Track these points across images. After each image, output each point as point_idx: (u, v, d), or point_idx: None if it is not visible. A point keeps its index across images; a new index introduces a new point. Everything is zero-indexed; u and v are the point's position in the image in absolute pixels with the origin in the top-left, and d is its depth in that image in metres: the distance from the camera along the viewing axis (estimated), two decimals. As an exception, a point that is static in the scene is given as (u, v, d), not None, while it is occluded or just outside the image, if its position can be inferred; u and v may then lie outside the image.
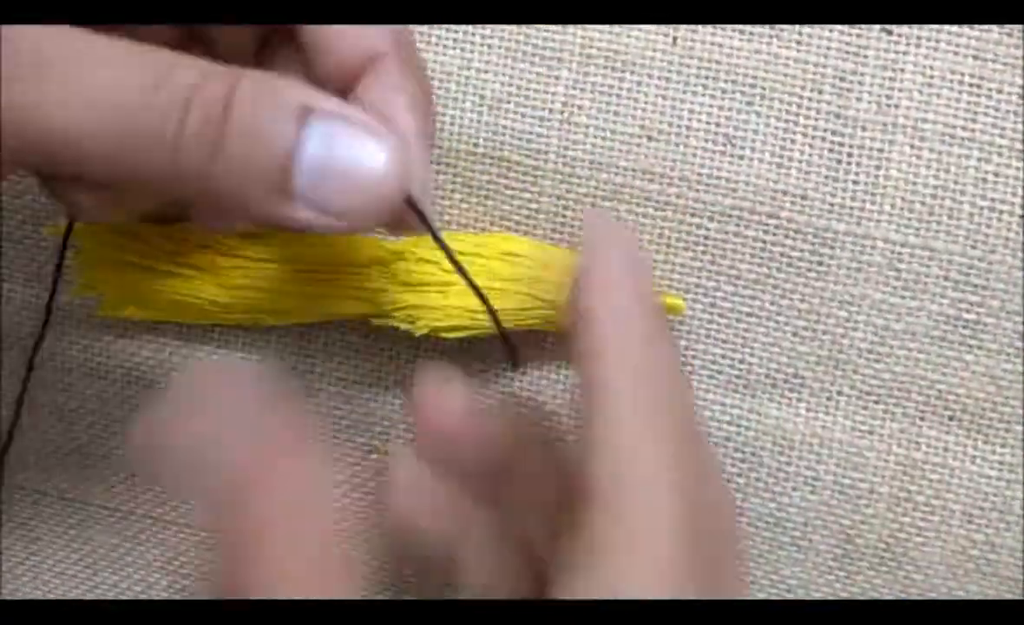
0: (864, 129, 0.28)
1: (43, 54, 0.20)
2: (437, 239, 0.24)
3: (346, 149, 0.20)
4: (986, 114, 0.28)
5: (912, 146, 0.28)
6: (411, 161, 0.22)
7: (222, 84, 0.20)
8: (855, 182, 0.28)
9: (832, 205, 0.28)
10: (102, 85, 0.20)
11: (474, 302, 0.28)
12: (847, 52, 0.28)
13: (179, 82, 0.20)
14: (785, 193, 0.29)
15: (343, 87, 0.23)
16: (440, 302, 0.28)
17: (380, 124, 0.21)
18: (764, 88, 0.28)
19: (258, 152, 0.20)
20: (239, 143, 0.20)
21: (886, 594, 0.30)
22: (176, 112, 0.20)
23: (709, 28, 0.29)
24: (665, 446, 0.20)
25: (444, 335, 0.28)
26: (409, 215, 0.23)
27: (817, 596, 0.30)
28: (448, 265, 0.27)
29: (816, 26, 0.28)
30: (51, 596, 0.33)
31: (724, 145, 0.29)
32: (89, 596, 0.33)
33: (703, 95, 0.29)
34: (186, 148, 0.20)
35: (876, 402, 0.29)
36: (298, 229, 0.21)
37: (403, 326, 0.28)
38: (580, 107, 0.29)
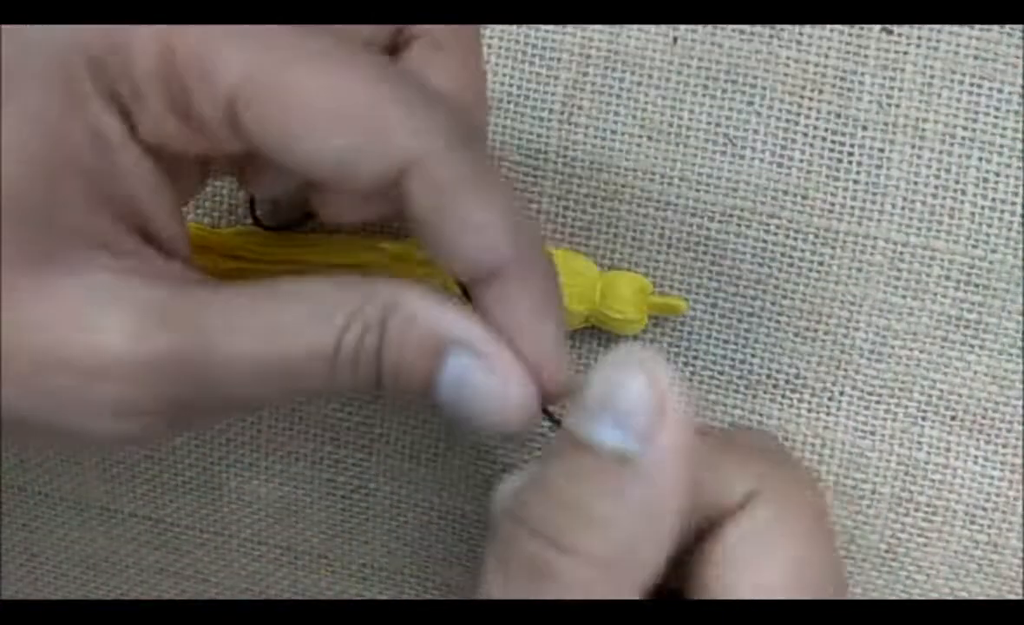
0: (865, 129, 0.28)
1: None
2: (557, 423, 0.24)
3: (476, 385, 0.22)
4: (987, 114, 0.28)
5: (913, 146, 0.28)
6: (536, 386, 0.22)
7: (375, 325, 0.21)
8: (856, 182, 0.28)
9: (833, 205, 0.28)
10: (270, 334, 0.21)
11: None
12: (847, 52, 0.28)
13: (347, 341, 0.21)
14: (786, 193, 0.29)
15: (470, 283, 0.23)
16: None
17: (510, 355, 0.22)
18: (764, 88, 0.28)
19: (402, 383, 0.22)
20: (389, 376, 0.22)
21: (888, 594, 0.30)
22: (347, 370, 0.22)
23: (709, 28, 0.29)
24: None
25: None
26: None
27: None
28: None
29: (816, 26, 0.28)
30: (51, 597, 0.33)
31: (724, 145, 0.29)
32: (89, 598, 0.33)
33: (703, 95, 0.29)
34: (357, 387, 0.22)
35: (878, 402, 0.29)
36: None
37: None
38: (580, 107, 0.29)
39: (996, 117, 0.28)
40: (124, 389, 0.21)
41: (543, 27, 0.29)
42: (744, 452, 0.24)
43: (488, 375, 0.21)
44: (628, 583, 0.20)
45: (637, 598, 0.20)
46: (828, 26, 0.28)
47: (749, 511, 0.22)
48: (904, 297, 0.29)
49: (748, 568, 0.22)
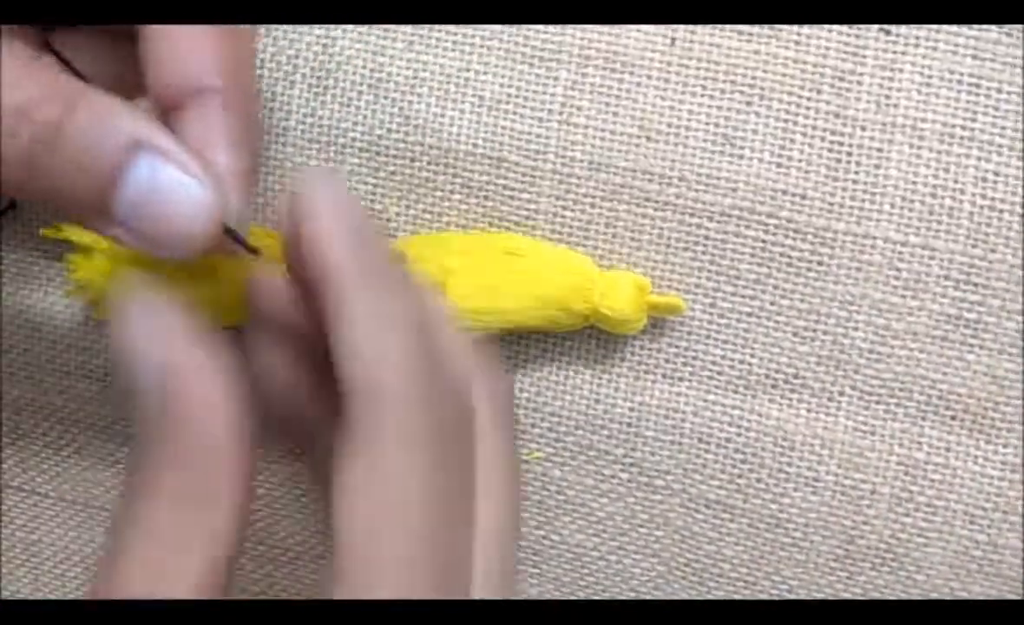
0: (863, 129, 0.28)
1: None
2: (251, 251, 0.24)
3: (166, 185, 0.22)
4: (985, 113, 0.28)
5: (911, 145, 0.28)
6: (226, 198, 0.23)
7: (56, 106, 0.21)
8: (855, 181, 0.28)
9: (832, 204, 0.28)
10: None
11: (472, 302, 0.28)
12: (846, 52, 0.28)
13: (13, 101, 0.21)
14: (785, 193, 0.29)
15: (167, 109, 0.24)
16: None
17: (199, 163, 0.22)
18: (763, 88, 0.28)
19: (82, 175, 0.22)
20: (64, 166, 0.22)
21: (888, 595, 0.29)
22: (8, 132, 0.21)
23: (708, 28, 0.29)
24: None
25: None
26: (227, 242, 0.24)
27: (819, 597, 0.30)
28: (449, 264, 0.27)
29: (815, 26, 0.28)
30: (51, 597, 0.33)
31: (723, 145, 0.29)
32: (89, 597, 0.33)
33: (702, 95, 0.29)
34: (11, 164, 0.22)
35: (877, 402, 0.29)
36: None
37: None
38: (579, 107, 0.29)
39: (995, 117, 0.28)
40: None
41: (541, 28, 0.29)
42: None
43: (180, 173, 0.22)
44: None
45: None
46: (827, 26, 0.28)
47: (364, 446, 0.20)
48: (903, 297, 0.29)
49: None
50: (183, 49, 0.23)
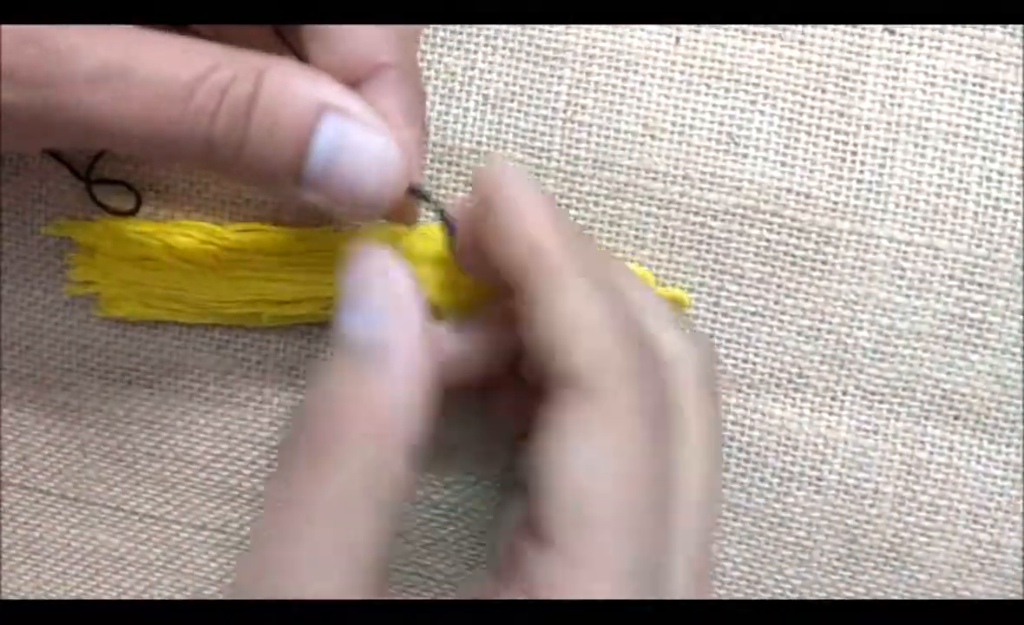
0: (868, 128, 0.28)
1: (98, 56, 0.22)
2: (444, 215, 0.26)
3: (355, 145, 0.22)
4: (989, 113, 0.28)
5: (916, 145, 0.28)
6: (411, 160, 0.24)
7: (248, 82, 0.22)
8: (859, 181, 0.28)
9: (836, 204, 0.28)
10: (147, 84, 0.22)
11: (474, 295, 0.28)
12: (850, 52, 0.28)
13: (213, 83, 0.22)
14: (789, 192, 0.29)
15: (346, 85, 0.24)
16: (439, 278, 0.28)
17: (383, 122, 0.23)
18: (767, 87, 0.28)
19: (275, 142, 0.22)
20: (259, 136, 0.22)
21: (891, 594, 0.29)
22: (206, 117, 0.22)
23: (712, 28, 0.29)
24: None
25: (445, 313, 0.28)
26: (410, 204, 0.25)
27: (821, 596, 0.30)
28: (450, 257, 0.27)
29: (819, 26, 0.28)
30: (52, 596, 0.33)
31: (727, 144, 0.29)
32: (90, 596, 0.33)
33: (706, 94, 0.29)
34: (217, 145, 0.22)
35: (880, 401, 0.29)
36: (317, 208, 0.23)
37: None
38: (583, 106, 0.29)
39: (999, 116, 0.28)
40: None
41: (546, 27, 0.29)
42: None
43: (367, 133, 0.22)
44: (392, 445, 0.21)
45: (404, 461, 0.21)
46: (831, 26, 0.28)
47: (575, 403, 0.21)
48: (907, 296, 0.29)
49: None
50: (358, 29, 0.24)
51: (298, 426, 0.21)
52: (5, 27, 0.21)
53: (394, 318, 0.21)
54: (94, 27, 0.22)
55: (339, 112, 0.22)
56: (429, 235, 0.28)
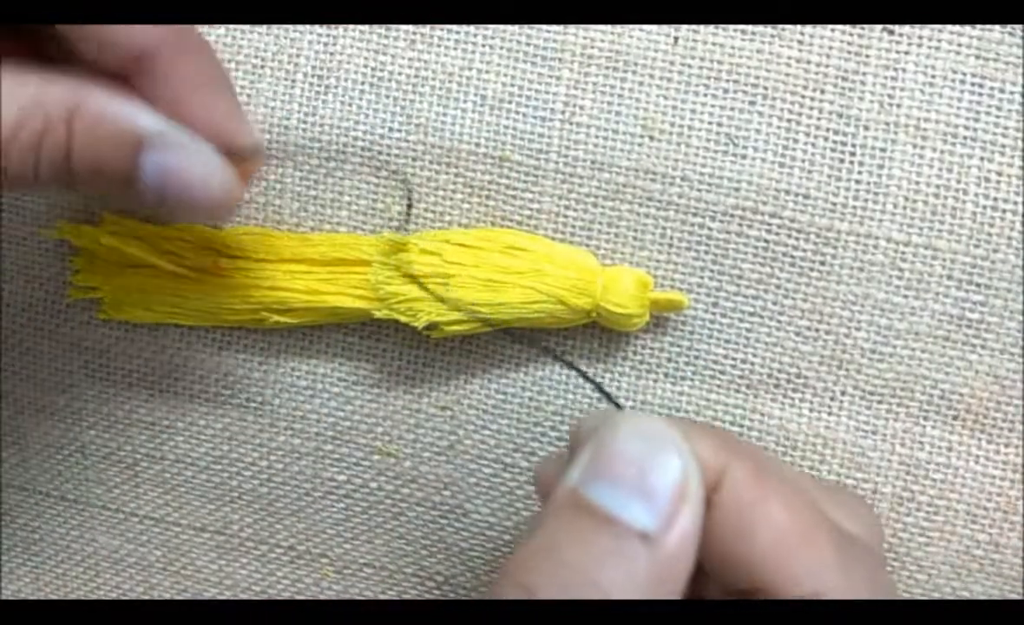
0: (867, 128, 0.28)
1: None
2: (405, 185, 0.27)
3: (177, 169, 0.24)
4: (988, 113, 0.28)
5: (914, 145, 0.28)
6: (235, 128, 0.25)
7: (60, 130, 0.23)
8: (858, 181, 0.28)
9: (835, 204, 0.28)
10: None
11: (475, 295, 0.28)
12: (849, 52, 0.28)
13: (29, 133, 0.23)
14: (788, 192, 0.29)
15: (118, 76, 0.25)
16: (442, 295, 0.28)
17: (193, 134, 0.24)
18: (766, 88, 0.28)
19: (102, 181, 0.24)
20: (85, 176, 0.24)
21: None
22: (31, 166, 0.23)
23: (711, 28, 0.29)
24: None
25: (445, 329, 0.28)
26: (246, 163, 0.26)
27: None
28: (450, 258, 0.27)
29: (818, 26, 0.28)
30: (52, 597, 0.33)
31: (726, 144, 0.29)
32: (90, 597, 0.33)
33: (705, 95, 0.29)
34: (49, 184, 0.24)
35: (879, 402, 0.29)
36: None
37: (404, 320, 0.28)
38: (581, 107, 0.29)
39: (998, 117, 0.28)
40: None
41: (544, 27, 0.29)
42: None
43: (187, 160, 0.24)
44: None
45: None
46: (830, 26, 0.28)
47: None
48: (906, 296, 0.29)
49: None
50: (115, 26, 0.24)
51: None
52: None
53: (686, 510, 0.21)
54: None
55: (153, 148, 0.23)
56: (427, 247, 0.28)
